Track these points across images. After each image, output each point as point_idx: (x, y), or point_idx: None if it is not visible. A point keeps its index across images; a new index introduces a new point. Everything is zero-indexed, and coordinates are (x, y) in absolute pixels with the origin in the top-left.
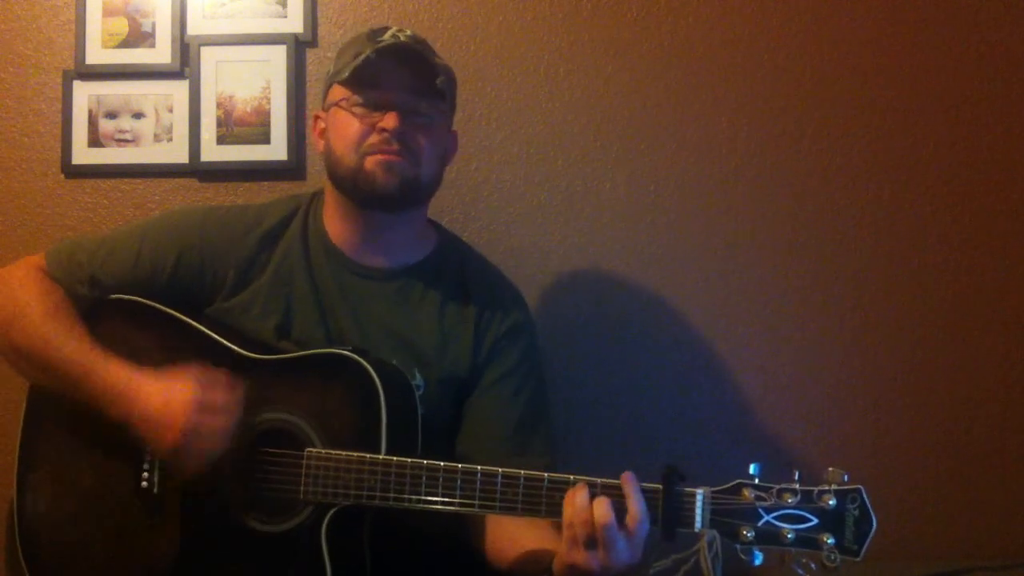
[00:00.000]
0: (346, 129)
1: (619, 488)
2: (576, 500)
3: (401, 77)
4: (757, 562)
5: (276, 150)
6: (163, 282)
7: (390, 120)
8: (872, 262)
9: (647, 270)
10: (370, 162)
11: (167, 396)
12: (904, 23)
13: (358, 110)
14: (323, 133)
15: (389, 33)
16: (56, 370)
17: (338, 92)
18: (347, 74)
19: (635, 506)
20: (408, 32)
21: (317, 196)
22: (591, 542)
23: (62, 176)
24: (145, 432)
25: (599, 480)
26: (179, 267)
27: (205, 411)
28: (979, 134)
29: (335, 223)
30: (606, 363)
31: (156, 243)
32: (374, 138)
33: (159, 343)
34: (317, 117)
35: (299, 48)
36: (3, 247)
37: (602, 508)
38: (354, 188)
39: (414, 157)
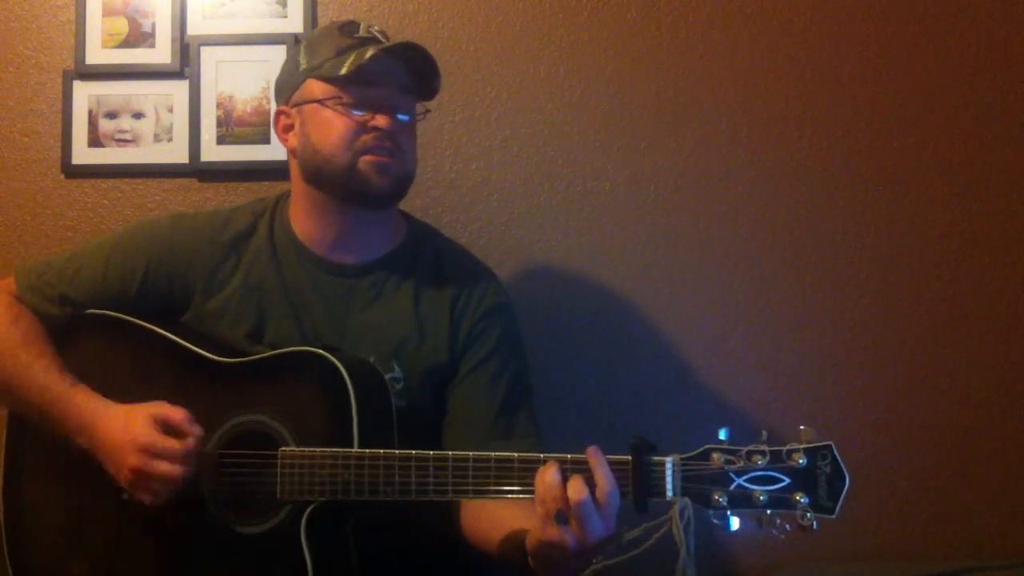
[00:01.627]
0: (334, 128)
1: (587, 463)
2: (547, 478)
3: (398, 77)
4: (732, 527)
5: (276, 150)
6: (133, 295)
7: (384, 120)
8: (872, 262)
9: (647, 270)
10: (364, 162)
11: (124, 434)
12: (904, 23)
13: (349, 109)
14: (289, 129)
15: (363, 28)
16: (25, 400)
17: (319, 88)
18: (345, 71)
19: (603, 478)
20: (377, 27)
21: (282, 197)
22: (563, 518)
23: (62, 176)
24: (106, 464)
25: (568, 456)
26: (147, 280)
27: (155, 456)
28: (979, 135)
29: (305, 222)
30: (606, 363)
31: (124, 257)
32: (367, 137)
33: (133, 355)
34: (281, 113)
35: None
36: (3, 247)
37: (577, 485)
38: (345, 188)
39: (403, 156)
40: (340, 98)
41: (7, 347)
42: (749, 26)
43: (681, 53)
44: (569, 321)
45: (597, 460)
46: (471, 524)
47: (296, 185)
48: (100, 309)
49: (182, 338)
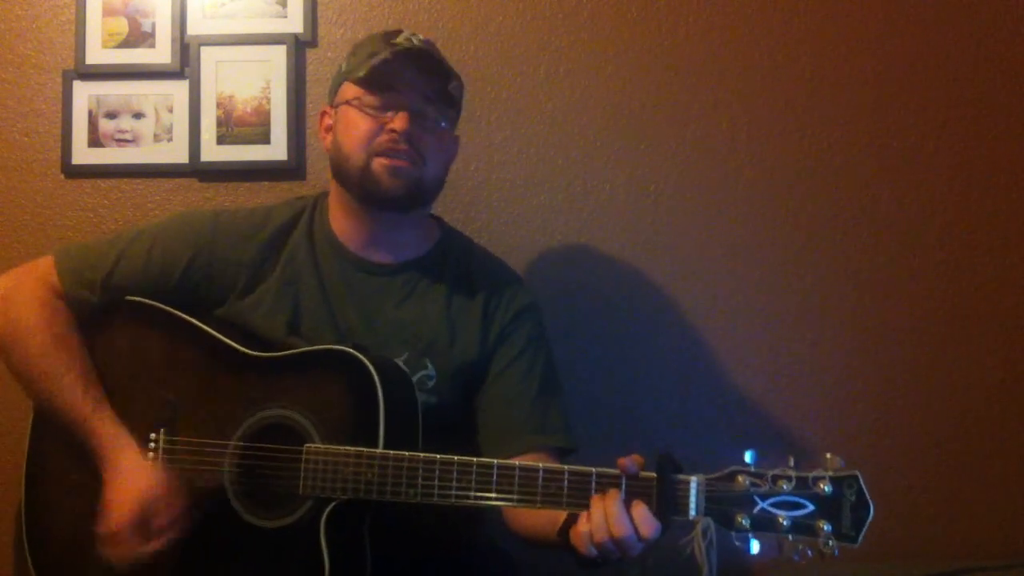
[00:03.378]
0: (355, 128)
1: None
2: (609, 509)
3: (415, 80)
4: (753, 550)
5: (276, 150)
6: (173, 284)
7: (400, 121)
8: (872, 262)
9: (647, 270)
10: (377, 164)
11: (121, 495)
12: (904, 23)
13: (369, 110)
14: (330, 129)
15: (403, 36)
16: (48, 409)
17: (350, 90)
18: (363, 73)
19: (644, 524)
20: (420, 36)
21: (323, 195)
22: (608, 546)
23: (62, 176)
24: (103, 498)
25: (594, 470)
26: (190, 270)
27: (139, 527)
28: (979, 134)
29: (340, 221)
30: (606, 363)
31: (167, 246)
32: (383, 138)
33: (166, 344)
34: (324, 113)
35: (299, 48)
36: (3, 247)
37: (621, 523)
38: (360, 188)
39: (420, 159)
40: (361, 99)
41: (37, 349)
42: (749, 26)
43: (681, 53)
44: (569, 321)
45: (640, 510)
46: (514, 511)
47: (332, 183)
48: (138, 296)
49: (215, 330)
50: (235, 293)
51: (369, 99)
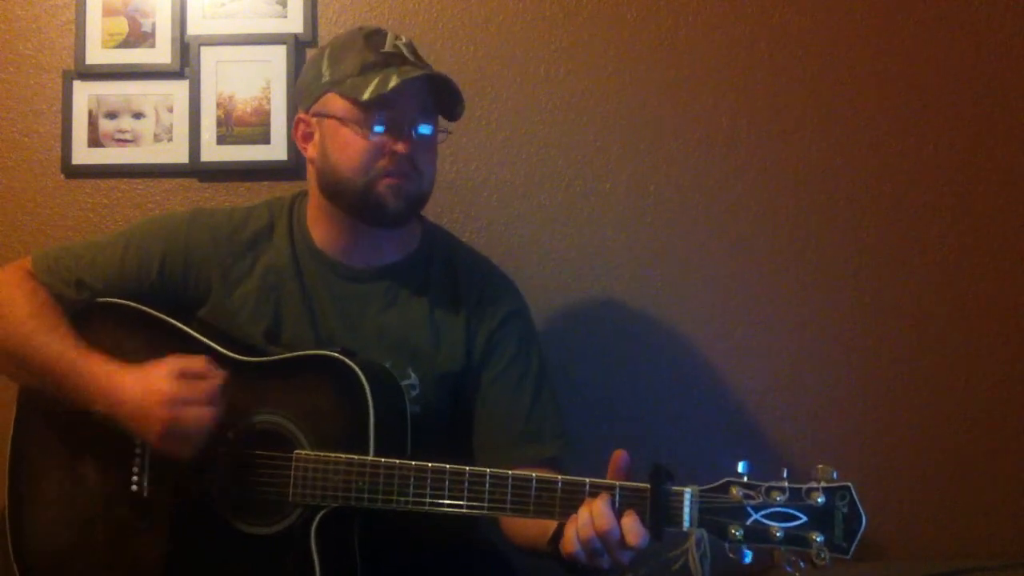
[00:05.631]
0: (353, 149)
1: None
2: (599, 519)
3: (421, 98)
4: (746, 560)
5: (276, 150)
6: (149, 285)
7: (403, 146)
8: (872, 262)
9: (647, 270)
10: (382, 186)
11: (144, 390)
12: (904, 23)
13: (365, 129)
14: (309, 138)
15: (389, 41)
16: (39, 368)
17: (340, 106)
18: (367, 97)
19: (632, 534)
20: (404, 39)
21: (299, 198)
22: (600, 552)
23: (62, 176)
24: (131, 426)
25: (588, 480)
26: (164, 270)
27: (181, 404)
28: (979, 134)
29: (320, 229)
30: (606, 363)
31: (141, 247)
32: (385, 161)
33: (147, 345)
34: (301, 121)
35: (299, 48)
36: (3, 247)
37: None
38: (361, 207)
39: (419, 176)
40: (360, 120)
41: (20, 317)
42: (749, 26)
43: (681, 53)
44: (569, 321)
45: (630, 519)
46: (507, 518)
47: (312, 191)
48: (116, 298)
49: (199, 333)
50: (213, 294)
51: (368, 120)
